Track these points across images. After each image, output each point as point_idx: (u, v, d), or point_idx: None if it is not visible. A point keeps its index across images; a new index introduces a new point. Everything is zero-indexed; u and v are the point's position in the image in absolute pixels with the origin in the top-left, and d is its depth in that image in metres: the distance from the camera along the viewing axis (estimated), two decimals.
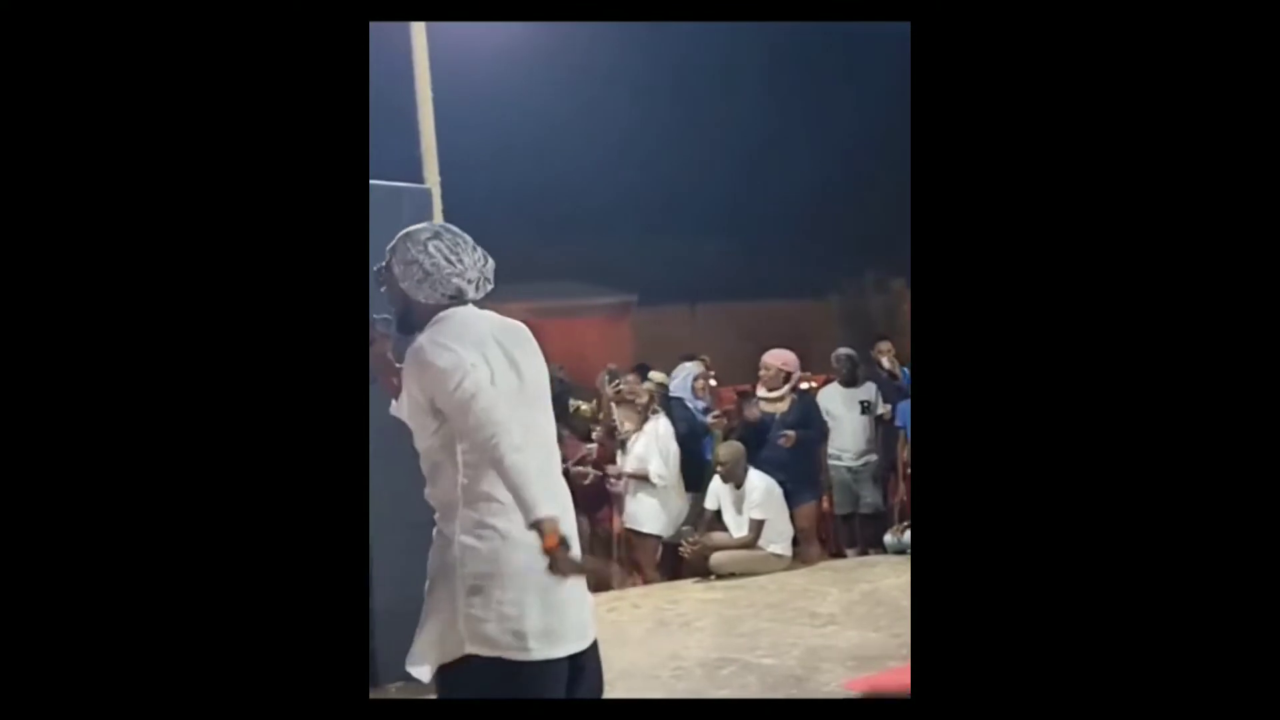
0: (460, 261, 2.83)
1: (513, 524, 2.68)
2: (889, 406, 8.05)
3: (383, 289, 2.89)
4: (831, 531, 8.22)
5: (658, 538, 7.44)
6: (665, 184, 20.13)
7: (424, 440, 2.80)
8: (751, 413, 7.85)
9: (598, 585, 7.09)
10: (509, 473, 2.56)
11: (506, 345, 2.83)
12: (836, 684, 4.65)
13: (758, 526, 7.15)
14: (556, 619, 2.75)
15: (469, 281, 2.85)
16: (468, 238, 2.91)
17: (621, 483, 7.53)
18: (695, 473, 7.60)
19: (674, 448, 7.44)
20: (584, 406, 8.38)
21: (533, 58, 12.70)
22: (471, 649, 2.71)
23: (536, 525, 2.53)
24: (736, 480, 7.22)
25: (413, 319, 2.87)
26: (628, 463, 7.47)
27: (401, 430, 2.89)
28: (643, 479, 7.36)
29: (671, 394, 8.10)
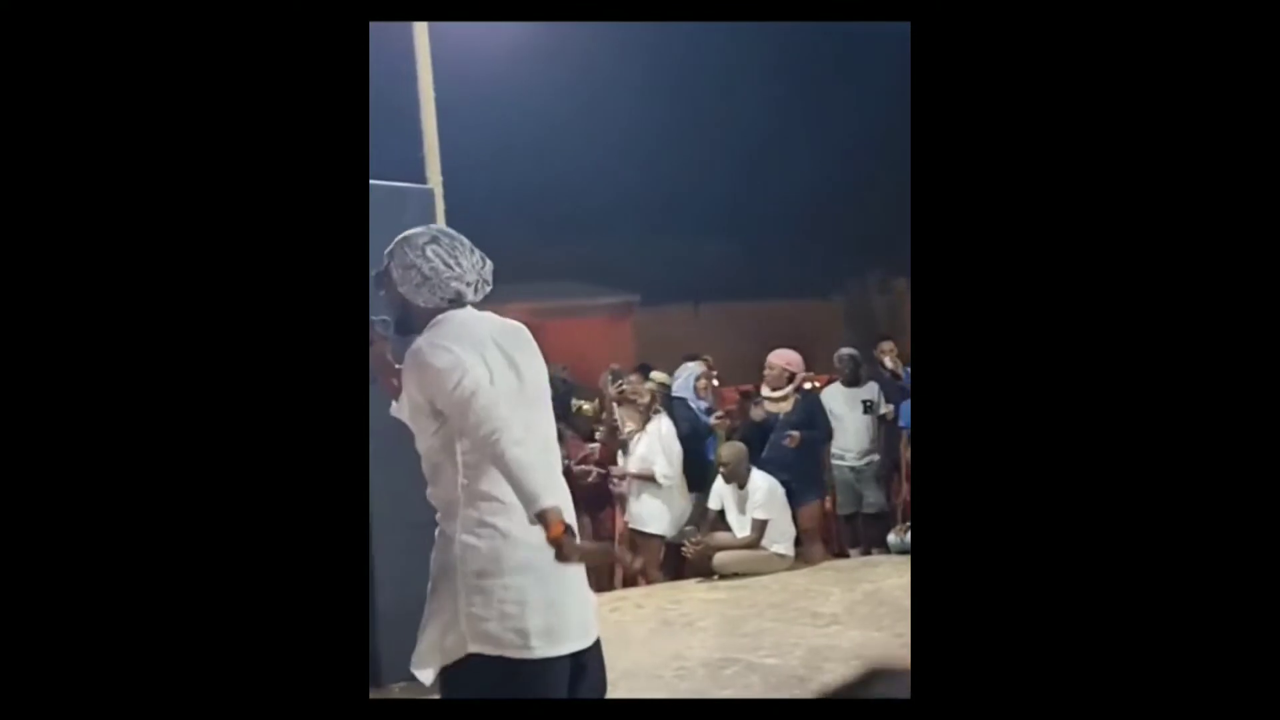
0: (459, 265, 2.84)
1: (513, 523, 2.68)
2: (892, 406, 8.04)
3: (381, 293, 2.90)
4: (834, 531, 8.21)
5: (661, 538, 7.44)
6: (668, 184, 20.13)
7: (425, 441, 2.81)
8: (756, 413, 7.86)
9: (600, 585, 7.12)
10: (511, 466, 2.57)
11: (505, 346, 2.84)
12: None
13: (760, 526, 7.15)
14: (558, 617, 2.75)
15: (468, 285, 2.86)
16: (465, 240, 2.91)
17: (624, 483, 7.53)
18: (698, 473, 7.60)
19: (677, 447, 7.45)
20: (586, 406, 8.38)
21: (535, 58, 12.70)
22: (474, 648, 2.71)
23: (541, 516, 2.53)
24: (739, 480, 7.22)
25: (411, 322, 2.87)
26: (631, 463, 7.47)
27: (403, 431, 2.89)
28: (648, 479, 7.37)
29: (674, 394, 8.10)
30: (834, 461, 8.03)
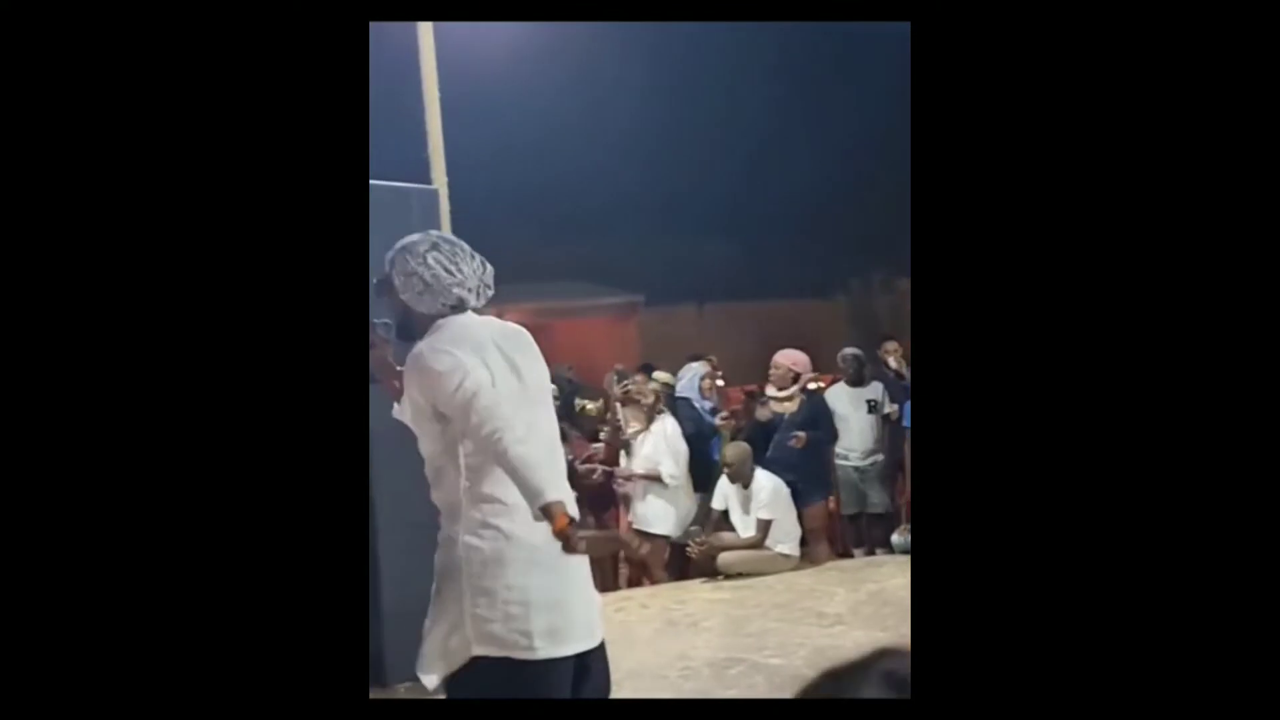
0: (460, 271, 2.85)
1: (516, 524, 2.69)
2: (896, 406, 8.04)
3: (383, 300, 2.91)
4: (838, 532, 8.21)
5: (666, 538, 7.45)
6: (672, 184, 20.12)
7: (428, 445, 2.82)
8: (762, 413, 7.86)
9: (605, 585, 7.12)
10: (514, 463, 2.57)
11: (506, 349, 2.85)
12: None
13: (765, 527, 7.15)
14: (563, 618, 2.76)
15: (469, 290, 2.87)
16: (466, 246, 2.92)
17: (629, 483, 7.53)
18: (703, 473, 7.61)
19: (683, 447, 7.46)
20: (590, 406, 8.39)
21: (537, 58, 12.71)
22: (478, 650, 2.72)
23: (545, 509, 2.53)
24: (744, 480, 7.22)
25: (413, 328, 2.88)
26: (636, 463, 7.47)
27: (407, 432, 2.90)
28: (654, 479, 7.37)
29: (678, 394, 8.10)
30: (838, 461, 8.03)
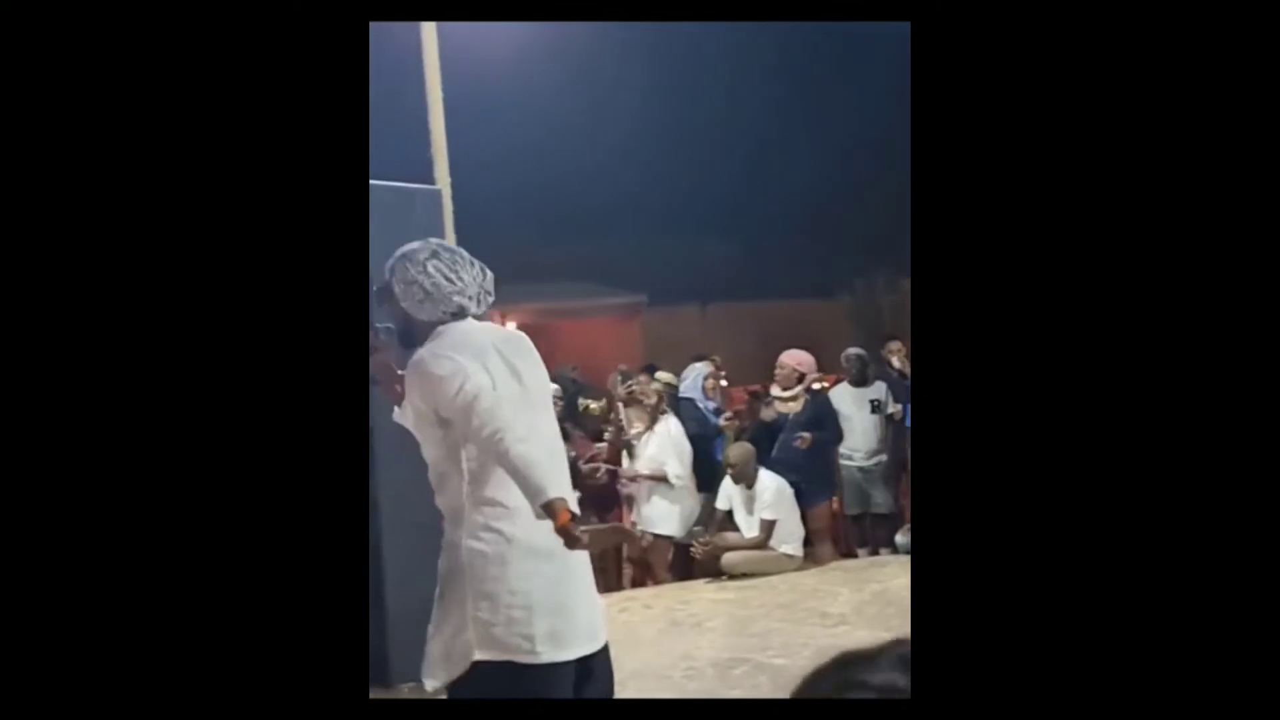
0: (460, 279, 2.86)
1: (519, 527, 2.70)
2: (899, 406, 8.04)
3: (384, 309, 2.93)
4: (842, 532, 8.21)
5: (670, 539, 7.45)
6: (676, 184, 20.15)
7: (431, 451, 2.83)
8: (766, 413, 7.86)
9: (608, 585, 7.12)
10: (515, 463, 2.57)
11: (507, 354, 2.86)
12: None
13: (769, 527, 7.15)
14: (565, 622, 2.76)
15: (469, 298, 2.88)
16: (465, 253, 2.94)
17: (635, 484, 7.53)
18: (707, 473, 7.61)
19: (687, 447, 7.46)
20: (593, 405, 8.39)
21: (542, 59, 12.73)
22: (480, 654, 2.72)
23: (547, 506, 2.53)
24: (747, 481, 7.22)
25: (414, 335, 2.90)
26: (640, 464, 7.48)
27: (413, 434, 2.91)
28: (660, 480, 7.38)
29: (682, 394, 8.11)
30: (842, 462, 8.03)
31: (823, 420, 7.74)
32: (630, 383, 7.94)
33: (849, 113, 18.60)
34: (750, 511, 7.22)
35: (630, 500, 7.63)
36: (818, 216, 18.91)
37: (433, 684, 2.81)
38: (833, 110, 19.31)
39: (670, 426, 7.47)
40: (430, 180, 5.95)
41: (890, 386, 8.12)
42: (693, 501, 7.54)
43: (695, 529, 7.44)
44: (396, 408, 2.91)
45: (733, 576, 7.07)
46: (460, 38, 6.83)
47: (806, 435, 7.50)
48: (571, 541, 2.55)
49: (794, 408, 7.73)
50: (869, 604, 6.16)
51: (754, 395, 9.31)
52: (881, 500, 8.01)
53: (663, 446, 7.39)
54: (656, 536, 7.39)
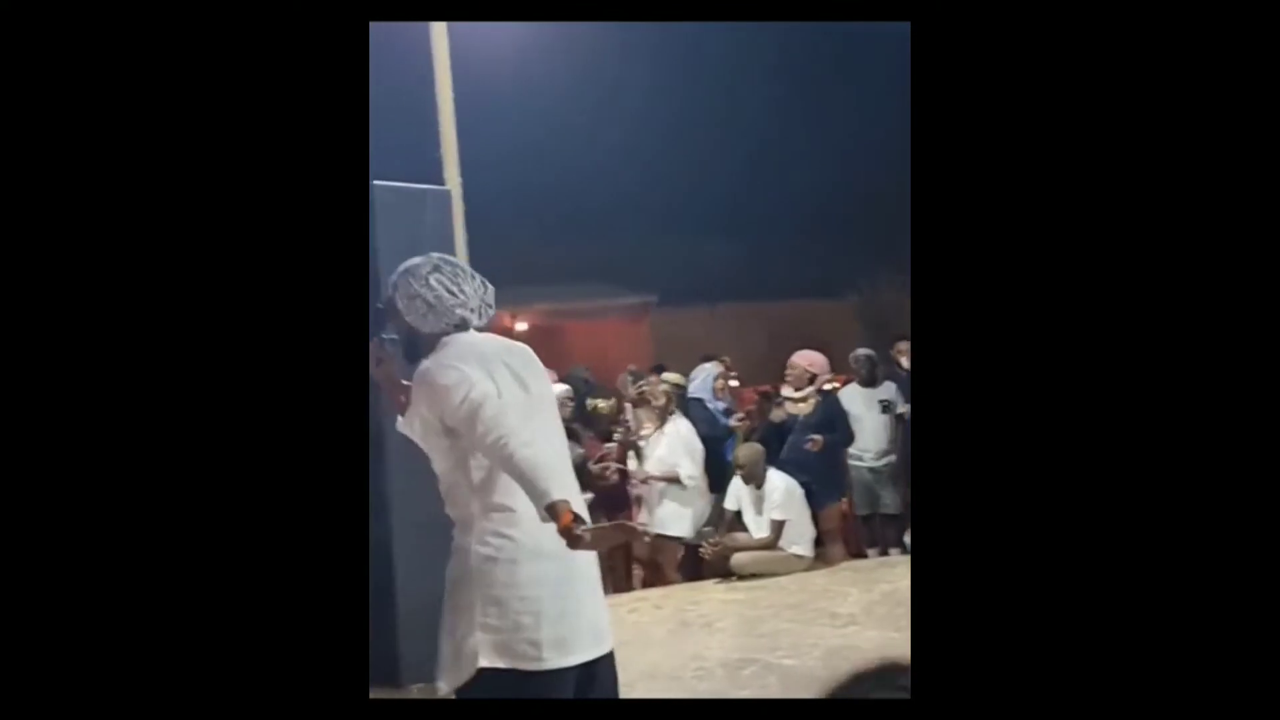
0: (462, 292, 2.91)
1: (526, 534, 2.71)
2: (909, 406, 8.02)
3: (388, 323, 2.96)
4: (852, 532, 8.20)
5: (680, 539, 7.45)
6: (683, 185, 20.16)
7: (439, 462, 2.85)
8: (777, 413, 7.85)
9: (618, 586, 7.13)
10: (520, 466, 2.58)
11: (512, 365, 2.89)
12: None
13: (778, 527, 7.15)
14: (570, 628, 2.77)
15: (471, 310, 2.93)
16: (466, 266, 3.00)
17: (646, 485, 7.52)
18: (717, 474, 7.61)
19: (699, 447, 7.46)
20: (602, 405, 8.38)
21: (548, 59, 12.73)
22: (485, 661, 2.73)
23: (550, 509, 2.54)
24: (757, 481, 7.22)
25: (419, 349, 2.93)
26: (650, 465, 7.47)
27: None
28: (672, 481, 7.37)
29: (691, 395, 8.10)
30: (852, 462, 8.01)
31: (834, 421, 7.72)
32: (640, 383, 7.93)
33: (850, 112, 18.62)
34: (760, 512, 7.22)
35: (640, 501, 7.62)
36: (820, 216, 18.93)
37: (445, 687, 2.83)
38: (833, 110, 19.33)
39: (680, 427, 7.46)
40: (440, 181, 5.95)
41: (899, 387, 8.10)
42: (704, 502, 7.53)
43: (705, 529, 7.43)
44: (400, 417, 2.93)
45: (742, 577, 7.06)
46: (462, 38, 6.83)
47: (818, 438, 7.49)
48: (574, 541, 2.55)
49: (804, 408, 7.72)
50: (879, 604, 6.14)
51: (764, 396, 9.30)
52: (891, 501, 7.99)
53: (673, 447, 7.39)
54: (668, 538, 7.38)
